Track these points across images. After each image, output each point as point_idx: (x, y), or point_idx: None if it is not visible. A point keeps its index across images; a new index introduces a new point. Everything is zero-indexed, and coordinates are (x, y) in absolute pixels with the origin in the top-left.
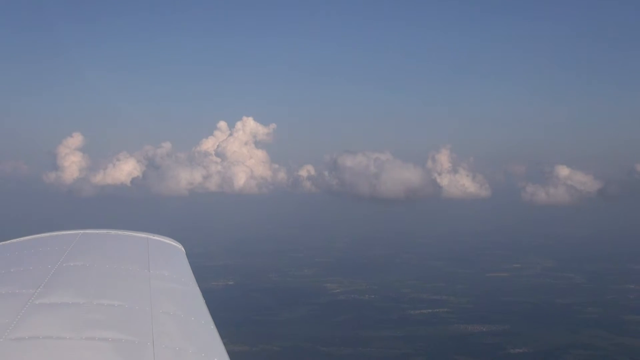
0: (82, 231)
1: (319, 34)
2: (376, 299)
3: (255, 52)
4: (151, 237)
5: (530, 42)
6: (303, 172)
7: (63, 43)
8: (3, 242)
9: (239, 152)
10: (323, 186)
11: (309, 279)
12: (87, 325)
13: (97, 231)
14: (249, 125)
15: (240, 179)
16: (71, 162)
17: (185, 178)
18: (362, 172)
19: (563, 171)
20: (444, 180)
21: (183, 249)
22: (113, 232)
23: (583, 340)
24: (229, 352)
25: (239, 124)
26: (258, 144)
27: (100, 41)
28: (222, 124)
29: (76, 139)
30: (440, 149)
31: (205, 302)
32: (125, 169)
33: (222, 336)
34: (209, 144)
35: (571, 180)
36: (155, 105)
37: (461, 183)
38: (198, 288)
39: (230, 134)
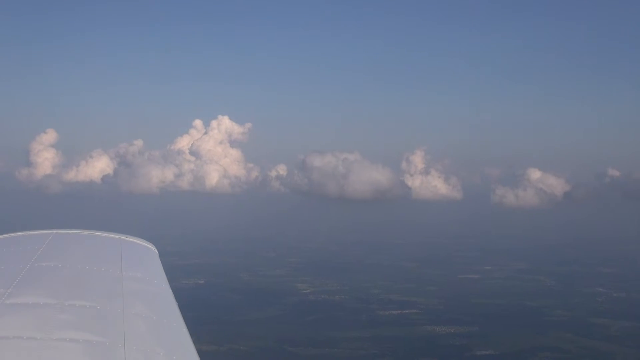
0: (54, 231)
1: (297, 34)
2: (346, 299)
3: (233, 51)
4: (124, 238)
5: (509, 45)
6: (275, 172)
7: (36, 39)
8: None
9: (214, 151)
10: (291, 186)
11: (280, 278)
12: (58, 326)
13: (70, 231)
14: (225, 124)
15: (213, 177)
16: (44, 158)
17: (157, 176)
18: (330, 172)
19: (535, 174)
20: (416, 182)
21: (156, 250)
22: (85, 232)
23: (550, 343)
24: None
25: (214, 123)
26: (233, 143)
27: (76, 37)
28: (198, 123)
29: (50, 136)
30: (414, 150)
31: (177, 303)
32: (98, 166)
33: (189, 335)
34: (184, 142)
35: (542, 183)
36: (132, 103)
37: (433, 184)
38: (170, 290)
39: (206, 133)
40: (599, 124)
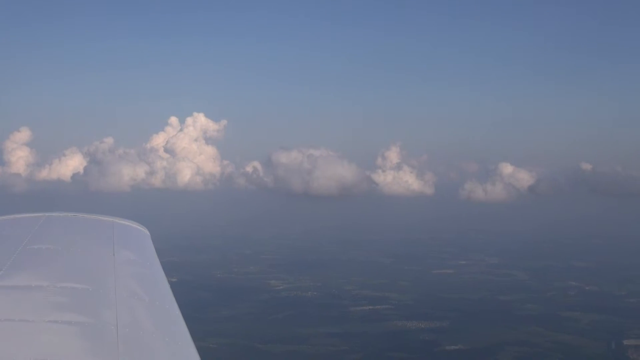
0: (46, 214)
1: (272, 30)
2: (318, 295)
3: (210, 47)
4: (117, 220)
5: (490, 40)
6: (249, 169)
7: (10, 38)
8: None
9: (189, 148)
10: (257, 182)
11: (254, 275)
12: (50, 309)
13: (62, 214)
14: (200, 121)
15: (186, 175)
16: (18, 157)
17: (128, 174)
18: (295, 168)
19: (506, 169)
20: (388, 177)
21: (148, 232)
22: (78, 215)
23: (519, 337)
24: None
25: (189, 120)
26: (208, 140)
27: (49, 35)
28: (173, 120)
29: (24, 134)
30: (390, 146)
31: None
32: (71, 165)
33: (182, 317)
34: (159, 140)
35: (514, 178)
36: (108, 101)
37: (404, 180)
38: (163, 272)
39: (181, 130)
40: (578, 119)
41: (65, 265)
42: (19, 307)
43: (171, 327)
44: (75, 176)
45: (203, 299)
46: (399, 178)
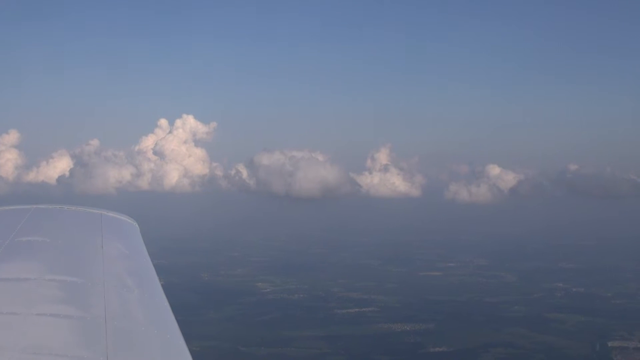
0: (34, 206)
1: (263, 31)
2: (305, 298)
3: (201, 48)
4: (105, 213)
5: (483, 41)
6: (233, 171)
7: None
8: None
9: (178, 151)
10: (239, 184)
11: (241, 278)
12: (39, 301)
13: (50, 206)
14: (189, 123)
15: (173, 177)
16: (6, 159)
17: (114, 176)
18: (277, 170)
19: (494, 170)
20: (374, 179)
21: (137, 225)
22: (66, 207)
23: (504, 339)
24: None
25: (178, 122)
26: (198, 142)
27: (40, 37)
28: (163, 122)
29: (12, 136)
30: (380, 148)
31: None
32: (59, 167)
33: (171, 309)
34: (149, 142)
35: (501, 179)
36: (98, 102)
37: (391, 182)
38: (151, 264)
39: (170, 132)
40: (569, 120)
41: (53, 257)
42: (7, 300)
43: (160, 318)
44: (60, 179)
45: (189, 302)
46: (386, 180)
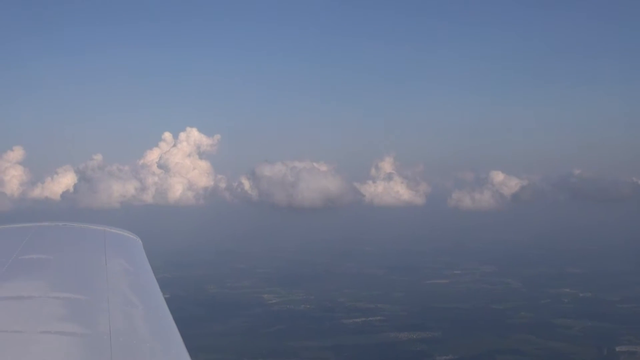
0: (37, 224)
1: (266, 42)
2: (311, 308)
3: (203, 61)
4: (108, 229)
5: (489, 48)
6: (235, 183)
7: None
8: None
9: (182, 164)
10: (241, 196)
11: (247, 290)
12: (43, 319)
13: (52, 224)
14: (193, 136)
15: (177, 190)
16: (11, 176)
17: (117, 190)
18: (279, 181)
19: (498, 177)
20: (378, 188)
21: (140, 241)
22: (69, 224)
23: (510, 345)
24: None
25: (182, 135)
26: (202, 155)
27: (44, 54)
28: (167, 135)
29: (17, 153)
30: (384, 157)
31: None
32: (64, 183)
33: (176, 326)
34: (153, 156)
35: (505, 186)
36: (102, 117)
37: (395, 190)
38: (155, 280)
39: (174, 145)
40: (573, 124)
41: (57, 274)
42: (12, 318)
43: (164, 334)
44: (64, 194)
45: (195, 315)
46: (390, 188)
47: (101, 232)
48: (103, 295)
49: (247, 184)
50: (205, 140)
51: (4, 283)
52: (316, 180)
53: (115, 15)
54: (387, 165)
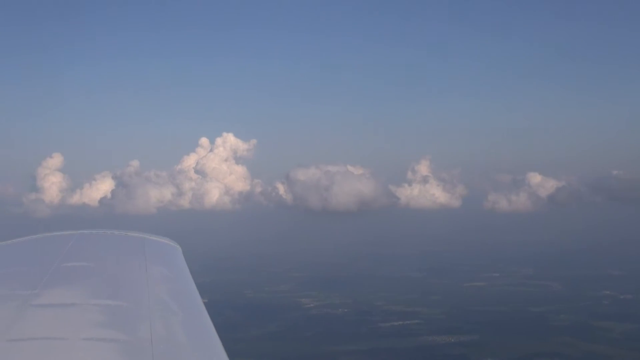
0: (77, 232)
1: (300, 45)
2: (349, 312)
3: (238, 66)
4: (147, 237)
5: (519, 49)
6: (273, 187)
7: (39, 64)
8: None
9: (219, 169)
10: (277, 200)
11: (284, 294)
12: (85, 326)
13: (93, 231)
14: (230, 141)
15: (214, 195)
16: (51, 182)
17: (154, 196)
18: (314, 185)
19: (535, 178)
20: (414, 191)
21: (180, 248)
22: (109, 232)
23: (551, 348)
24: None
25: (219, 140)
26: (238, 159)
27: (83, 62)
28: (204, 141)
29: (56, 160)
30: (420, 160)
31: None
32: (102, 189)
33: (217, 333)
34: (191, 161)
35: (542, 187)
36: (140, 124)
37: (431, 193)
38: (195, 287)
39: (211, 151)
40: (611, 125)
41: (98, 282)
42: (55, 325)
43: (205, 340)
44: (102, 200)
45: (233, 319)
46: (425, 191)
47: (141, 239)
48: (144, 302)
49: (281, 189)
50: (241, 145)
51: (48, 290)
52: (350, 184)
53: (152, 24)
54: (423, 168)
